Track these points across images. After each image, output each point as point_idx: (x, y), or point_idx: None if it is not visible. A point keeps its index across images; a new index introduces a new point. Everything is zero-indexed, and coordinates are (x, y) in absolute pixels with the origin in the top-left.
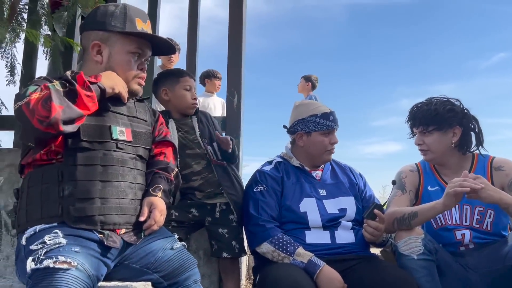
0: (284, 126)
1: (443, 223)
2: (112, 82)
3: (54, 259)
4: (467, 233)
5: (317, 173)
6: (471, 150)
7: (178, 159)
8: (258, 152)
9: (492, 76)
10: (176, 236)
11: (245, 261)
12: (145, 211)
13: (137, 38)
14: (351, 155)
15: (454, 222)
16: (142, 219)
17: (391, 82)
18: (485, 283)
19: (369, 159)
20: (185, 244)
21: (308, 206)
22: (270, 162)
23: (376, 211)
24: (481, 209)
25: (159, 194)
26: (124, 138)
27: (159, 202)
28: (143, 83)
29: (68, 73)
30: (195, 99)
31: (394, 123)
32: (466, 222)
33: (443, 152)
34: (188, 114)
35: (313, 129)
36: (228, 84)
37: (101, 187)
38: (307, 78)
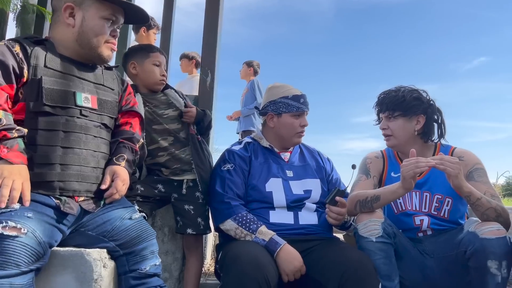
0: (256, 108)
1: (404, 208)
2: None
3: (4, 224)
4: (426, 219)
5: (286, 155)
6: (433, 140)
7: (144, 134)
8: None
9: (473, 79)
10: (136, 207)
11: (211, 240)
12: (107, 179)
13: (111, 5)
14: (330, 150)
15: (414, 208)
16: (103, 187)
17: (375, 79)
18: (440, 268)
19: (349, 154)
20: (145, 215)
21: (274, 186)
22: (239, 142)
23: (337, 197)
24: (440, 197)
25: (123, 163)
26: (89, 105)
27: (122, 172)
28: (115, 49)
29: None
30: (164, 75)
31: (374, 120)
32: (425, 208)
33: (406, 139)
34: (155, 90)
35: (283, 110)
36: (202, 63)
37: (62, 153)
38: (249, 64)
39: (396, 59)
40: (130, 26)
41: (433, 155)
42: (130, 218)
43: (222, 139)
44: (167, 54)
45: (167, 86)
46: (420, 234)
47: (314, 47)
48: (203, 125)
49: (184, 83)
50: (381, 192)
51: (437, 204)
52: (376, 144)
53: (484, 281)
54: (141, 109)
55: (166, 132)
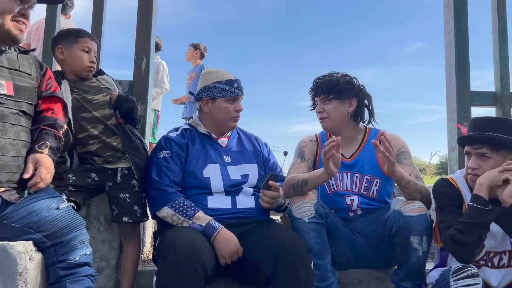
0: (191, 93)
1: (336, 189)
2: None
3: None
4: (356, 199)
5: (223, 141)
6: (364, 123)
7: (72, 122)
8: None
9: (410, 64)
10: (64, 197)
11: (151, 228)
12: (30, 168)
13: None
14: (278, 133)
15: (345, 188)
16: (26, 176)
17: (319, 64)
18: (369, 245)
19: (296, 137)
20: (73, 204)
21: (212, 172)
22: (176, 129)
23: (270, 182)
24: (369, 177)
25: (46, 151)
26: (4, 92)
27: (45, 159)
28: (24, 30)
29: None
30: (93, 62)
31: None
32: (355, 189)
33: (340, 120)
34: (83, 77)
35: (217, 95)
36: (137, 48)
37: None
38: (196, 46)
39: (339, 44)
40: (59, 9)
41: (363, 138)
42: (58, 208)
43: (167, 124)
44: (99, 39)
45: (102, 73)
46: (351, 214)
47: (260, 31)
48: (122, 110)
49: None
50: (309, 177)
51: (366, 184)
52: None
53: (407, 255)
54: (67, 97)
55: (96, 120)
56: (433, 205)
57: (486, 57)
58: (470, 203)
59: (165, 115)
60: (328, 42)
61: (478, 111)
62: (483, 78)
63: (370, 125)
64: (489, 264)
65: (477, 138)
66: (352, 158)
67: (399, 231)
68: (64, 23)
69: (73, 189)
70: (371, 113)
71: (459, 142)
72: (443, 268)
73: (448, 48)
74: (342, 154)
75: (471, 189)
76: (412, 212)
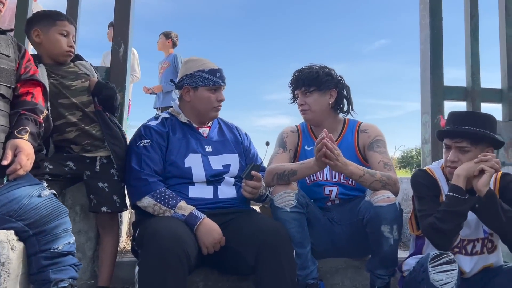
0: (172, 81)
1: (315, 179)
2: None
3: None
4: (334, 189)
5: (204, 130)
6: (344, 113)
7: (50, 108)
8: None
9: (374, 60)
10: (45, 184)
11: (127, 217)
12: (9, 154)
13: None
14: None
15: (325, 178)
16: (5, 162)
17: (286, 57)
18: (346, 234)
19: (261, 131)
20: (55, 192)
21: (193, 162)
22: (156, 117)
23: (253, 172)
24: None
25: (26, 136)
26: None
27: (25, 145)
28: (2, 10)
29: None
30: (71, 46)
31: (286, 97)
32: (335, 178)
33: (322, 112)
34: (60, 61)
35: (199, 84)
36: (115, 34)
37: None
38: (167, 35)
39: (306, 38)
40: None
41: (342, 128)
42: (39, 196)
43: (137, 115)
44: (75, 22)
45: (80, 58)
46: (329, 204)
47: (228, 22)
48: (102, 97)
49: None
50: (298, 167)
51: None
52: (287, 120)
53: (379, 244)
54: (44, 79)
55: (74, 107)
56: (410, 195)
57: (456, 55)
58: (448, 192)
59: (135, 105)
60: (295, 36)
61: (449, 106)
62: (450, 75)
63: (349, 116)
64: (463, 251)
65: (459, 132)
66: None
67: (370, 221)
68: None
69: (50, 178)
70: (350, 104)
71: (438, 135)
72: (420, 256)
73: (423, 43)
74: None
75: (447, 180)
76: (381, 203)
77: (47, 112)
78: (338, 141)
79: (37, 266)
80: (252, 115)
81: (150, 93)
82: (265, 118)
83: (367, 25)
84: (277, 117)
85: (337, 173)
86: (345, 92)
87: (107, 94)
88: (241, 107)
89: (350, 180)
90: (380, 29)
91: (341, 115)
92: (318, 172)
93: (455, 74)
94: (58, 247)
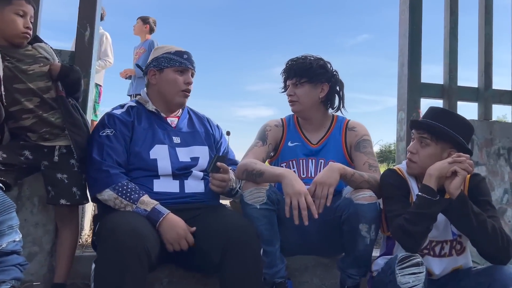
0: (138, 66)
1: (298, 176)
2: None
3: None
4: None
5: (173, 120)
6: (334, 110)
7: (3, 93)
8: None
9: (356, 54)
10: None
11: (90, 211)
12: None
13: None
14: (224, 116)
15: (309, 175)
16: None
17: (268, 48)
18: (318, 232)
19: (242, 121)
20: (1, 186)
21: (159, 153)
22: (122, 106)
23: (218, 163)
24: (333, 162)
25: None
26: None
27: None
28: None
29: None
30: (28, 28)
31: (267, 89)
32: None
33: (311, 105)
34: (16, 43)
35: (165, 65)
36: (80, 16)
37: None
38: (145, 20)
39: (288, 30)
40: None
41: (330, 125)
42: None
43: (110, 101)
44: (37, 3)
45: (39, 40)
46: None
47: (210, 12)
48: (68, 81)
49: None
50: (265, 171)
51: None
52: (269, 112)
53: (355, 243)
54: None
55: (31, 93)
56: None
57: (434, 51)
58: (419, 193)
59: (108, 92)
60: (278, 27)
61: (426, 103)
62: (427, 72)
63: (338, 113)
64: (431, 253)
65: (423, 124)
66: (319, 144)
67: (348, 219)
68: None
69: (2, 168)
70: (342, 100)
71: (410, 126)
72: (389, 256)
73: (402, 38)
74: (309, 140)
75: (417, 180)
76: (362, 200)
77: None
78: (325, 138)
79: None
80: (233, 105)
81: (126, 77)
82: (246, 108)
83: (350, 19)
84: (258, 108)
85: (321, 169)
86: (337, 88)
87: (74, 78)
88: (222, 97)
89: None
90: (363, 24)
91: (330, 111)
92: (303, 168)
93: (431, 71)
94: (1, 246)
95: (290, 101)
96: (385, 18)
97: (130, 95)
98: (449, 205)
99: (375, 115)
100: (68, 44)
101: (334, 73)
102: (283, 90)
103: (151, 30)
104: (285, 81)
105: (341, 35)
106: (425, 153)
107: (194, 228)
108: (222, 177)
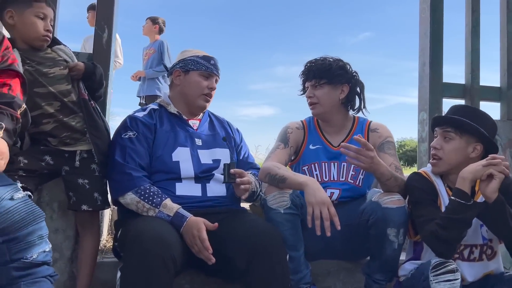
0: (164, 66)
1: (319, 180)
2: None
3: None
4: (336, 192)
5: (194, 123)
6: (355, 110)
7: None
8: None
9: (358, 53)
10: (19, 185)
11: (108, 215)
12: None
13: None
14: (227, 116)
15: (332, 179)
16: None
17: (270, 48)
18: (341, 236)
19: (244, 120)
20: (30, 193)
21: (181, 156)
22: (144, 109)
23: (232, 170)
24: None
25: (0, 133)
26: None
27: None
28: None
29: None
30: (49, 31)
31: (269, 87)
32: (342, 177)
33: (331, 107)
34: (37, 46)
35: (191, 67)
36: (98, 18)
37: None
38: (154, 20)
39: (290, 29)
40: None
41: (352, 127)
42: (12, 199)
43: (119, 102)
44: (55, 5)
45: (58, 42)
46: None
47: (213, 10)
48: (95, 78)
49: None
50: (288, 177)
51: (353, 173)
52: (271, 111)
53: (382, 247)
54: (21, 68)
55: (51, 96)
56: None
57: (454, 51)
58: (452, 197)
59: (116, 93)
60: (280, 26)
61: (447, 103)
62: (446, 71)
63: (359, 114)
64: (460, 257)
65: (446, 119)
66: (340, 146)
67: (376, 223)
68: None
69: (24, 174)
70: (362, 101)
71: (431, 124)
72: (418, 262)
73: (423, 38)
74: (330, 143)
75: (444, 183)
76: (391, 204)
77: (25, 106)
78: (347, 140)
79: (7, 277)
80: (236, 104)
81: (137, 80)
82: (248, 108)
83: (351, 18)
84: (260, 107)
85: (344, 172)
86: (358, 89)
87: (100, 74)
88: (224, 96)
89: (358, 180)
90: (364, 22)
91: (350, 113)
92: (325, 172)
93: (450, 71)
94: (32, 256)
95: (310, 103)
96: (387, 16)
97: (140, 96)
98: (484, 209)
99: (377, 113)
100: (71, 44)
101: (354, 74)
102: (301, 92)
103: (161, 31)
104: (303, 83)
105: (343, 34)
106: (450, 148)
107: (216, 224)
108: (241, 181)
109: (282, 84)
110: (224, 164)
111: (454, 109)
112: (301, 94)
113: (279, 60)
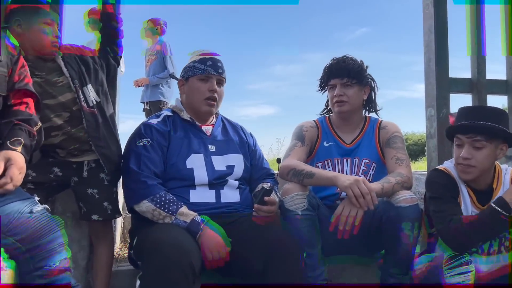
0: (172, 75)
1: None
2: None
3: None
4: None
5: (208, 128)
6: (372, 112)
7: None
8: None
9: (355, 49)
10: (37, 198)
11: (120, 223)
12: (0, 166)
13: None
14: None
15: (344, 174)
16: None
17: (267, 47)
18: (355, 235)
19: (244, 120)
20: (47, 207)
21: (196, 162)
22: (157, 116)
23: (266, 198)
24: (367, 161)
25: (19, 148)
26: None
27: (18, 158)
28: None
29: None
30: (57, 36)
31: (268, 87)
32: (354, 173)
33: (358, 107)
34: (46, 55)
35: (190, 74)
36: None
37: None
38: (155, 22)
39: (287, 27)
40: None
41: (364, 126)
42: (31, 212)
43: (122, 107)
44: (61, 11)
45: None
46: (338, 202)
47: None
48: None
49: None
50: (316, 172)
51: (364, 168)
52: (270, 110)
53: (397, 242)
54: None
55: (61, 107)
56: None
57: (458, 44)
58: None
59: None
60: (276, 24)
61: (454, 98)
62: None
63: (371, 114)
64: (479, 251)
65: (474, 127)
66: (353, 143)
67: (389, 219)
68: None
69: (32, 186)
70: (375, 103)
71: (450, 131)
72: (431, 255)
73: (427, 34)
74: (343, 140)
75: (463, 180)
76: (404, 203)
77: (40, 124)
78: (359, 138)
79: (32, 286)
80: (235, 105)
81: (139, 86)
82: (248, 107)
83: (347, 14)
84: (259, 107)
85: (356, 168)
86: (374, 92)
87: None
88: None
89: (368, 175)
90: (360, 18)
91: (365, 113)
92: (338, 169)
93: (456, 64)
94: (54, 264)
95: (338, 101)
96: (383, 11)
97: (144, 102)
98: None
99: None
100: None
101: (371, 77)
102: (321, 89)
103: (162, 32)
104: (328, 80)
105: (338, 30)
106: (483, 156)
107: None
108: (268, 209)
109: (281, 83)
110: (263, 187)
111: (471, 113)
112: (321, 91)
113: (276, 59)
